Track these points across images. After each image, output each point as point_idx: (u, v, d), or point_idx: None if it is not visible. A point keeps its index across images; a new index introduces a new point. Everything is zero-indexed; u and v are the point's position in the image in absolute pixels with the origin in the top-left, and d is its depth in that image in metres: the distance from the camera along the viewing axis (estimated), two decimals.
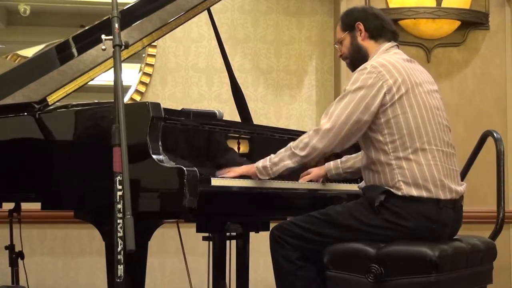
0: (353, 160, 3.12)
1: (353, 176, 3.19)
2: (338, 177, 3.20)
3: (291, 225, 2.75)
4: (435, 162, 2.68)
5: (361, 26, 2.89)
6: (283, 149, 2.77)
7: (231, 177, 2.74)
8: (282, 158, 2.75)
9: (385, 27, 2.90)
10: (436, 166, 2.68)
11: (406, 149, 2.66)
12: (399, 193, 2.64)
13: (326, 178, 3.18)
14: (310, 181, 3.12)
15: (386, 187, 2.67)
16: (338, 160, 3.18)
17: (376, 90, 2.67)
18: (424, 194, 2.64)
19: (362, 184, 2.88)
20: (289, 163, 2.74)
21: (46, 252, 4.54)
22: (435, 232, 2.68)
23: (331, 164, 3.18)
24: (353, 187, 3.25)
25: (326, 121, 2.70)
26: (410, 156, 2.66)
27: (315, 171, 3.15)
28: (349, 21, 2.94)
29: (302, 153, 2.72)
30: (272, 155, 2.78)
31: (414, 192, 2.64)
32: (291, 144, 2.76)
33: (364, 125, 2.69)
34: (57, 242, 4.57)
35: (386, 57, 2.79)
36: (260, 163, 2.78)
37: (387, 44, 2.88)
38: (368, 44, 2.89)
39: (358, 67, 2.79)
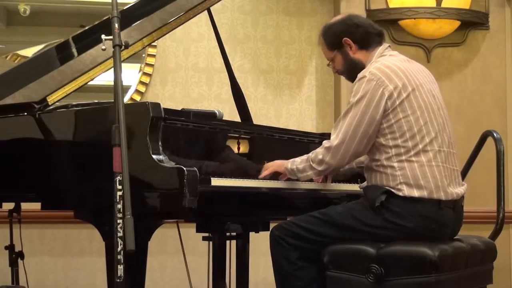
0: (366, 155, 3.09)
1: None
2: (352, 172, 3.20)
3: (291, 225, 2.75)
4: (436, 163, 2.67)
5: (349, 41, 2.84)
6: (305, 158, 2.81)
7: (265, 175, 2.86)
8: (305, 169, 2.80)
9: (370, 33, 2.86)
10: (438, 167, 2.67)
11: (408, 152, 2.66)
12: (400, 194, 2.64)
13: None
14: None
15: (387, 187, 2.67)
16: None
17: (378, 98, 2.66)
18: (425, 194, 2.64)
19: (364, 184, 2.88)
20: (310, 174, 2.81)
21: (46, 252, 4.54)
22: (435, 232, 2.68)
23: None
24: (353, 187, 3.24)
25: (335, 138, 2.72)
26: (412, 158, 2.65)
27: None
28: (333, 40, 2.88)
29: (319, 168, 2.77)
30: (298, 159, 2.83)
31: (416, 193, 2.64)
32: (310, 156, 2.79)
33: (373, 135, 2.69)
34: (57, 242, 4.56)
35: (384, 62, 2.76)
36: (289, 165, 2.84)
37: (380, 48, 2.85)
38: (360, 55, 2.86)
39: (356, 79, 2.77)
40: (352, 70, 2.86)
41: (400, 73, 2.71)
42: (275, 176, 2.91)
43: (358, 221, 2.68)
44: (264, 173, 2.88)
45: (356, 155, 2.75)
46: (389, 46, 2.89)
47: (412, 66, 2.80)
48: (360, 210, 2.70)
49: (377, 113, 2.66)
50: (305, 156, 2.82)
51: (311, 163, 2.78)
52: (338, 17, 2.98)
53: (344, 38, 2.85)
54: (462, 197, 2.80)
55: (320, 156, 2.75)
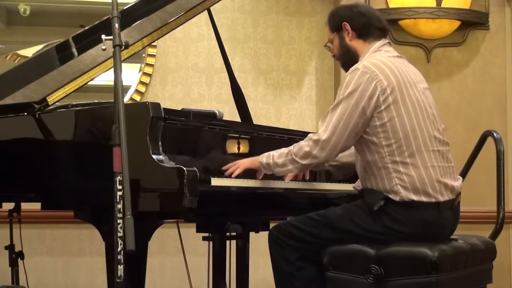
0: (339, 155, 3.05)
1: (338, 170, 3.13)
2: (323, 170, 3.16)
3: (289, 226, 2.73)
4: (431, 163, 2.65)
5: (348, 26, 2.82)
6: (284, 152, 2.73)
7: (237, 173, 2.73)
8: (284, 163, 2.72)
9: (372, 25, 2.82)
10: (433, 167, 2.65)
11: (402, 153, 2.62)
12: (398, 199, 2.61)
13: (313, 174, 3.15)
14: (297, 178, 3.05)
15: (384, 193, 2.63)
16: None
17: (371, 91, 2.62)
18: (423, 198, 2.61)
19: (358, 184, 2.85)
20: (291, 168, 2.73)
21: (46, 252, 4.54)
22: (435, 236, 2.66)
23: None
24: None
25: (323, 131, 2.65)
26: (407, 160, 2.62)
27: None
28: (335, 21, 2.86)
29: (304, 162, 2.69)
30: (275, 154, 2.75)
31: (414, 197, 2.60)
32: (293, 150, 2.71)
33: (362, 128, 2.65)
34: (57, 242, 4.57)
35: (379, 57, 2.73)
36: (264, 159, 2.76)
37: (378, 43, 2.80)
38: (356, 44, 2.82)
39: (349, 67, 2.73)
40: (346, 57, 2.84)
41: (395, 70, 2.67)
42: (251, 173, 2.82)
43: (357, 226, 2.65)
44: (236, 171, 2.75)
45: (343, 149, 2.70)
46: (389, 42, 2.85)
47: (405, 64, 2.77)
48: (359, 214, 2.66)
49: (369, 107, 2.62)
50: (284, 150, 2.74)
51: (294, 156, 2.70)
52: (348, 3, 2.98)
53: (344, 23, 2.82)
54: (459, 193, 2.77)
55: (306, 149, 2.67)
